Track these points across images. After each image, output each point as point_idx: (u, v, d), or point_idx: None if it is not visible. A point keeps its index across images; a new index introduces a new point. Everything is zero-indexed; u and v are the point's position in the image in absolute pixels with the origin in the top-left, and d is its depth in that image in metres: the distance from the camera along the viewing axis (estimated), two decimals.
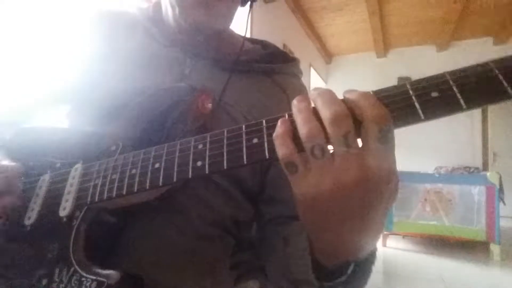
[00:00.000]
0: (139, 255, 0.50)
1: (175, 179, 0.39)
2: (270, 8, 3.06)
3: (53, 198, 0.49)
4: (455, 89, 0.29)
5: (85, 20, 0.66)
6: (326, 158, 0.30)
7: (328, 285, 0.38)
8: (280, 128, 0.32)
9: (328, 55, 5.13)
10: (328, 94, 0.31)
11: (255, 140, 0.35)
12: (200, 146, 0.39)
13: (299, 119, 0.31)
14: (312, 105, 0.32)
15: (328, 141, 0.30)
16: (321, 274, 0.38)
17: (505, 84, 0.27)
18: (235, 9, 0.62)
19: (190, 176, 0.38)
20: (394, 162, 0.30)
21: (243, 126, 0.36)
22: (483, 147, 4.34)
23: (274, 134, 0.32)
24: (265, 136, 0.34)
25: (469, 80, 0.29)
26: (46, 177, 0.52)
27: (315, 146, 0.30)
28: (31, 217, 0.49)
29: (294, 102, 0.32)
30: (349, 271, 0.36)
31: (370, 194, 0.30)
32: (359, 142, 0.30)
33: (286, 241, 0.50)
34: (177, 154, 0.40)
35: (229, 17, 0.61)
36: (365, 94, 0.31)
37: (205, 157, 0.38)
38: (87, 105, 0.59)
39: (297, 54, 3.45)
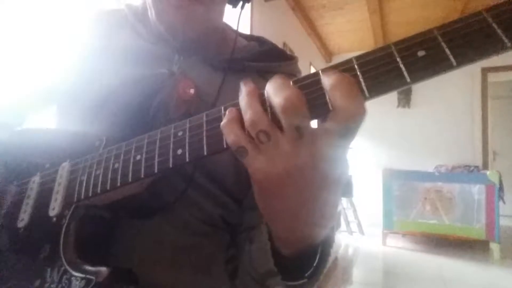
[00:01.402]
0: (135, 252, 0.50)
1: (156, 170, 0.38)
2: (270, 7, 3.05)
3: (43, 198, 0.49)
4: (443, 45, 0.26)
5: (76, 20, 0.66)
6: (273, 142, 0.29)
7: (293, 285, 0.38)
8: (226, 116, 0.32)
9: (328, 54, 5.12)
10: (279, 80, 0.30)
11: None
12: (180, 134, 0.37)
13: (241, 105, 0.30)
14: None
15: (275, 125, 0.29)
16: (283, 267, 0.38)
17: (500, 32, 0.24)
18: (219, 9, 0.59)
19: (171, 165, 0.37)
20: (346, 152, 0.30)
21: (222, 107, 0.35)
22: (483, 145, 4.33)
23: (221, 124, 0.32)
24: None
25: (459, 34, 0.26)
26: (37, 179, 0.52)
27: (259, 132, 0.29)
28: (23, 219, 0.49)
29: (240, 87, 0.32)
30: (310, 269, 0.36)
31: (321, 180, 0.29)
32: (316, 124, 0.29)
33: (250, 240, 0.49)
34: (157, 144, 0.39)
35: (210, 19, 0.58)
36: (344, 81, 0.28)
37: (185, 144, 0.36)
38: (73, 104, 0.58)
39: (297, 53, 3.44)
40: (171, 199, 0.50)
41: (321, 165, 0.29)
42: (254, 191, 0.33)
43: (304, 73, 0.72)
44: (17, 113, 0.66)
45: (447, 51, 0.26)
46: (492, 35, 0.25)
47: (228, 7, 0.64)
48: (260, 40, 0.66)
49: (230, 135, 0.31)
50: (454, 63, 0.26)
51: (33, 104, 0.66)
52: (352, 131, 0.28)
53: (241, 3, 0.62)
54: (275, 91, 0.29)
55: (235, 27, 0.65)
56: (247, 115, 0.30)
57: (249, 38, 0.68)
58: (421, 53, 0.27)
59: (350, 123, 0.27)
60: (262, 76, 0.61)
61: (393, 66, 0.27)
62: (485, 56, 0.25)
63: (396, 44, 0.28)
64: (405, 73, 0.27)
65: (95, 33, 0.63)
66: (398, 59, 0.27)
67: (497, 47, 0.24)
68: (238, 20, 0.62)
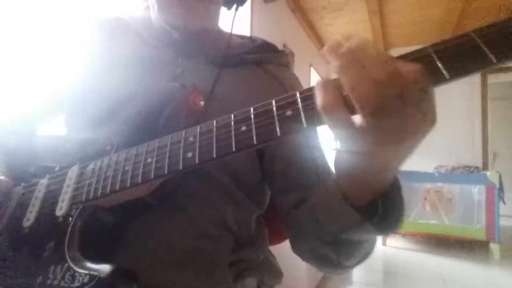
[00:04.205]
0: (140, 253, 0.50)
1: (166, 172, 0.40)
2: (270, 8, 3.05)
3: (51, 199, 0.50)
4: (437, 61, 0.29)
5: (83, 29, 0.67)
6: (385, 117, 0.29)
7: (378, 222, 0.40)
8: (328, 95, 0.30)
9: None
10: (370, 48, 0.30)
11: (243, 128, 0.35)
12: (191, 139, 0.39)
13: (350, 77, 0.29)
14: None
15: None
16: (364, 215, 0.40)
17: (487, 51, 0.28)
18: (216, 10, 0.63)
19: (181, 167, 0.39)
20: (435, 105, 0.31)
21: (232, 115, 0.37)
22: (483, 146, 4.33)
23: (323, 105, 0.30)
24: (252, 123, 0.35)
25: (451, 51, 0.29)
26: (45, 181, 0.53)
27: (375, 109, 0.28)
28: (29, 219, 0.50)
29: (336, 54, 0.30)
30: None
31: (421, 135, 0.32)
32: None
33: (312, 207, 0.50)
34: (168, 147, 0.41)
35: (209, 17, 0.62)
36: (391, 60, 0.29)
37: (195, 148, 0.38)
38: (82, 112, 0.60)
39: (297, 54, 3.45)
40: (173, 187, 0.51)
41: (423, 123, 0.30)
42: (340, 169, 0.37)
43: (303, 74, 0.76)
44: (29, 123, 0.67)
45: (441, 66, 0.29)
46: (480, 53, 0.28)
47: (225, 11, 0.68)
48: (252, 38, 0.71)
49: (339, 122, 0.30)
50: (447, 77, 0.28)
51: (44, 113, 0.68)
52: (428, 89, 0.30)
53: (235, 5, 0.66)
54: (374, 60, 0.29)
55: (234, 30, 0.68)
56: (360, 90, 0.29)
57: (242, 37, 0.72)
58: None
59: (421, 83, 0.29)
60: (260, 67, 0.65)
61: None
62: (474, 71, 0.28)
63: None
64: None
65: (100, 41, 0.64)
66: None
67: (485, 63, 0.28)
68: (233, 20, 0.66)
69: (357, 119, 0.30)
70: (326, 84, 0.31)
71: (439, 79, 0.29)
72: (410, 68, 0.28)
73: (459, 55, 0.29)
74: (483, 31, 0.28)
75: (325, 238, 0.48)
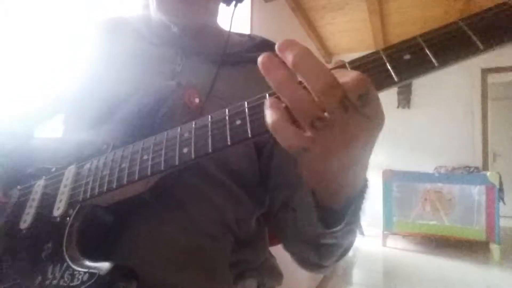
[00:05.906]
0: (140, 252, 0.50)
1: (162, 168, 0.40)
2: (270, 7, 3.05)
3: (48, 200, 0.50)
4: (426, 49, 0.30)
5: (82, 30, 0.68)
6: (327, 127, 0.29)
7: (335, 230, 0.41)
8: (274, 115, 0.31)
9: (328, 54, 5.12)
10: (310, 59, 0.29)
11: (238, 122, 0.36)
12: (186, 134, 0.40)
13: (287, 95, 0.30)
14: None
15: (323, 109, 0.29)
16: (328, 220, 0.41)
17: (474, 38, 0.28)
18: (215, 6, 0.64)
19: (177, 163, 0.39)
20: (381, 107, 0.31)
21: (226, 109, 0.37)
22: (483, 146, 4.33)
23: (271, 125, 0.31)
24: (247, 117, 0.35)
25: (440, 40, 0.30)
26: (41, 182, 0.53)
27: (314, 120, 0.29)
28: (26, 221, 0.50)
29: (271, 73, 0.31)
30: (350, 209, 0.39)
31: (370, 138, 0.31)
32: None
33: (293, 210, 0.52)
34: (164, 144, 0.41)
35: (207, 13, 0.62)
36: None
37: (191, 143, 0.39)
38: (81, 112, 0.60)
39: None
40: (170, 184, 0.50)
41: (369, 126, 0.30)
42: (303, 174, 0.36)
43: None
44: (26, 124, 0.67)
45: (430, 54, 0.29)
46: (468, 40, 0.29)
47: (225, 9, 0.68)
48: (250, 36, 0.71)
49: (287, 139, 0.30)
50: (436, 64, 0.29)
51: (41, 114, 0.68)
52: (367, 97, 0.29)
53: (234, 2, 0.67)
54: (311, 75, 0.28)
55: (233, 29, 0.68)
56: (298, 104, 0.29)
57: (241, 35, 0.73)
58: (406, 57, 0.30)
59: (361, 90, 0.29)
60: None
61: (382, 68, 0.31)
62: (463, 58, 0.29)
63: (384, 49, 0.31)
64: (393, 74, 0.30)
65: (100, 42, 0.65)
66: (386, 62, 0.31)
67: (473, 51, 0.29)
68: (232, 16, 0.66)
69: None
70: (273, 103, 0.32)
71: (428, 68, 0.29)
72: (348, 77, 0.28)
73: (447, 43, 0.29)
74: (470, 19, 0.30)
75: (305, 241, 0.49)
